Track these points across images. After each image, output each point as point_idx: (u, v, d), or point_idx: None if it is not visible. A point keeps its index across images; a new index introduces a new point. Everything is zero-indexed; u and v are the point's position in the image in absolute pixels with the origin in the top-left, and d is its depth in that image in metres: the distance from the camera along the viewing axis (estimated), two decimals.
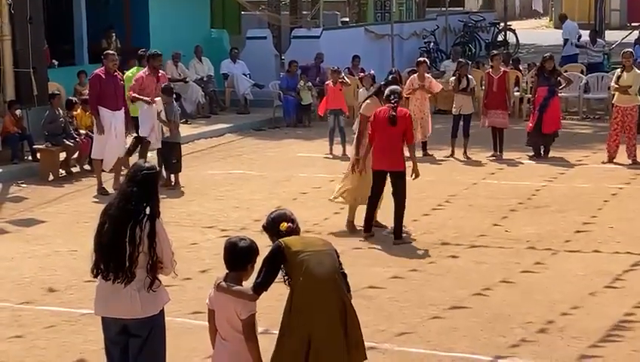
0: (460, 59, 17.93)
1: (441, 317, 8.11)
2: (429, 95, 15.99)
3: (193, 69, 20.96)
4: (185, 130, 16.71)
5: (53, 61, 18.90)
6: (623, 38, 27.97)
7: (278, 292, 5.63)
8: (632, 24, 42.04)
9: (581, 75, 20.65)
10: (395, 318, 8.09)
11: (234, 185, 13.84)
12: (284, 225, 5.61)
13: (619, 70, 15.37)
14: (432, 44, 27.39)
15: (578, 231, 10.93)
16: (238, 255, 5.49)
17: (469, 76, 16.14)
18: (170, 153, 13.64)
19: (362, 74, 18.01)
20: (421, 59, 16.58)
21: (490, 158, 15.56)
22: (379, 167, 10.47)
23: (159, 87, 13.81)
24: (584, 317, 8.05)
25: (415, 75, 15.80)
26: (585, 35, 24.82)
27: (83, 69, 18.11)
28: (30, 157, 14.97)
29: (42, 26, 16.59)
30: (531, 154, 15.63)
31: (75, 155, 14.82)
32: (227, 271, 5.53)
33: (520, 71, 20.84)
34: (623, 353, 7.32)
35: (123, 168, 13.06)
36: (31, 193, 13.41)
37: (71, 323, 8.06)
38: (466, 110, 15.82)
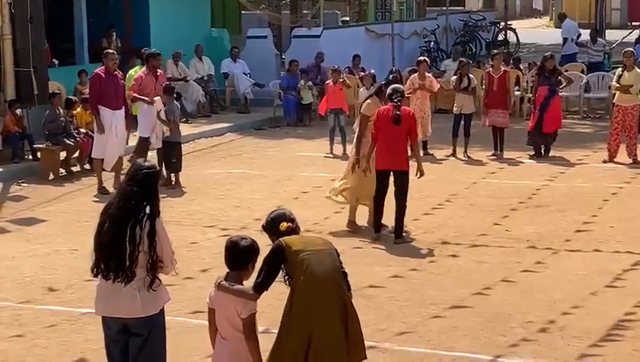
0: (462, 59, 17.94)
1: (442, 317, 8.11)
2: (430, 94, 15.98)
3: (194, 68, 20.97)
4: (185, 129, 16.72)
5: (54, 60, 18.91)
6: (624, 38, 27.98)
7: (279, 292, 5.63)
8: (633, 23, 42.06)
9: (582, 74, 20.65)
10: (395, 317, 8.09)
11: (234, 185, 13.85)
12: (283, 225, 5.61)
13: (620, 69, 15.37)
14: (432, 43, 27.38)
15: (578, 231, 10.93)
16: (239, 254, 5.49)
17: (470, 75, 16.13)
18: (171, 152, 13.65)
19: (363, 73, 18.01)
20: (421, 58, 16.57)
21: (491, 158, 15.56)
22: (383, 167, 10.46)
23: (158, 86, 13.82)
24: (584, 317, 8.05)
25: (415, 74, 15.80)
26: (585, 34, 24.83)
27: (83, 68, 18.11)
28: (31, 157, 14.97)
29: (43, 25, 16.58)
30: (532, 153, 15.63)
31: (76, 154, 14.82)
32: (228, 271, 5.54)
33: (520, 70, 20.83)
34: (624, 352, 7.32)
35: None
36: (31, 192, 13.41)
37: (71, 322, 8.06)
38: (467, 109, 15.82)
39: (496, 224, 11.29)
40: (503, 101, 15.78)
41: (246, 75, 21.39)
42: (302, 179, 14.15)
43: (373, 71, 17.03)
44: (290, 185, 13.75)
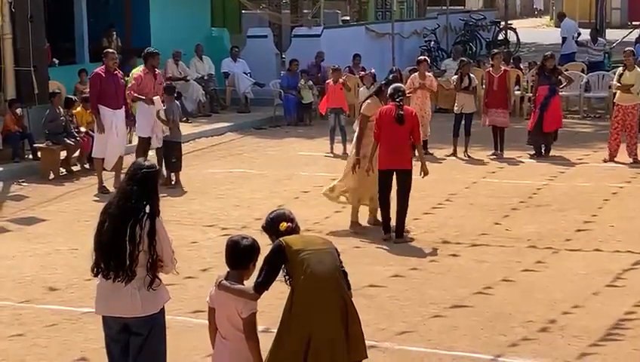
0: (463, 58, 17.94)
1: (442, 316, 8.11)
2: (430, 94, 15.96)
3: (194, 68, 20.97)
4: (186, 128, 16.72)
5: (54, 60, 18.91)
6: (624, 37, 27.98)
7: (279, 291, 5.63)
8: (633, 23, 42.05)
9: (582, 73, 20.65)
10: (395, 317, 8.09)
11: (235, 184, 13.85)
12: (283, 225, 5.61)
13: (620, 68, 15.37)
14: (432, 42, 27.37)
15: (579, 230, 10.93)
16: (240, 253, 5.49)
17: (471, 75, 16.13)
18: (171, 152, 13.64)
19: (363, 72, 18.00)
20: (422, 57, 16.56)
21: (491, 157, 15.56)
22: (386, 167, 10.44)
23: (157, 85, 13.82)
24: (585, 316, 8.05)
25: (416, 73, 15.78)
26: (585, 33, 24.84)
27: (84, 68, 18.12)
28: (31, 156, 14.97)
29: (43, 24, 16.59)
30: (532, 152, 15.63)
31: (76, 154, 14.82)
32: (228, 270, 5.54)
33: (521, 70, 20.83)
34: (624, 352, 7.32)
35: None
36: (32, 192, 13.41)
37: (72, 321, 8.06)
38: (468, 109, 15.82)
39: (496, 223, 11.29)
40: (503, 100, 15.78)
41: (246, 74, 21.39)
42: (302, 178, 14.15)
43: (373, 70, 17.02)
44: (291, 184, 13.75)
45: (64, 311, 8.33)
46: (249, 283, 5.53)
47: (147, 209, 5.58)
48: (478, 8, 40.37)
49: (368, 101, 11.16)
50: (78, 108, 15.22)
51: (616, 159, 14.98)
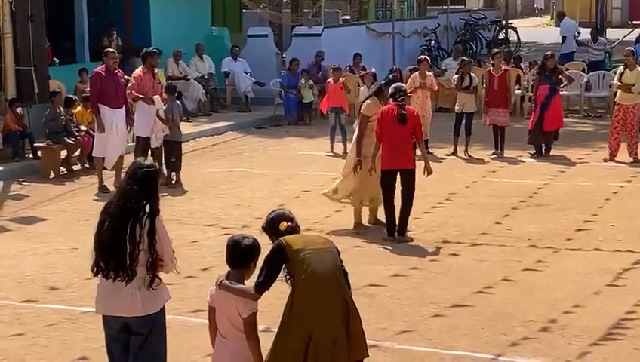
0: (464, 57, 17.93)
1: (442, 316, 8.11)
2: (431, 93, 15.97)
3: (194, 67, 20.97)
4: (186, 128, 16.71)
5: (55, 59, 18.91)
6: (625, 36, 27.98)
7: (280, 291, 5.63)
8: (634, 22, 42.09)
9: (582, 73, 20.65)
10: (396, 316, 8.09)
11: (235, 183, 13.84)
12: (283, 225, 5.61)
13: (621, 68, 15.37)
14: (433, 42, 27.37)
15: (579, 230, 10.93)
16: (241, 253, 5.49)
17: (472, 74, 16.13)
18: (170, 151, 13.64)
19: (363, 72, 18.00)
20: (422, 57, 16.54)
21: (492, 156, 15.56)
22: (390, 167, 10.42)
23: (156, 84, 13.83)
24: (585, 316, 8.05)
25: (416, 73, 15.78)
26: (586, 33, 24.84)
27: (84, 67, 18.11)
28: (31, 155, 14.97)
29: (43, 23, 16.60)
30: (533, 152, 15.63)
31: (77, 153, 14.81)
32: (229, 269, 5.53)
33: (521, 69, 20.83)
34: (624, 351, 7.32)
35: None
36: (32, 191, 13.41)
37: (72, 321, 8.06)
38: (469, 108, 15.82)
39: (497, 223, 11.29)
40: (503, 100, 15.77)
41: (247, 73, 21.39)
42: (302, 177, 14.15)
43: (373, 70, 17.01)
44: (291, 183, 13.75)
45: (64, 311, 8.33)
46: (249, 282, 5.52)
47: (147, 208, 5.58)
48: (479, 7, 40.35)
49: (368, 101, 11.13)
50: (79, 108, 15.22)
51: (616, 158, 14.98)
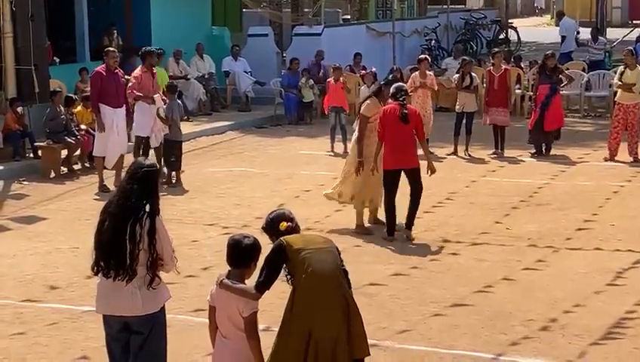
0: (465, 57, 17.93)
1: (443, 315, 8.11)
2: (431, 92, 15.96)
3: (194, 67, 20.98)
4: (186, 127, 16.71)
5: (55, 58, 18.92)
6: (625, 36, 27.99)
7: (280, 290, 5.64)
8: (634, 22, 42.09)
9: (582, 72, 20.65)
10: (396, 316, 8.09)
11: (235, 183, 13.85)
12: (283, 225, 5.61)
13: (622, 67, 15.37)
14: (433, 41, 27.38)
15: (579, 229, 10.93)
16: (241, 252, 5.49)
17: (473, 74, 16.13)
18: (170, 151, 13.64)
19: (364, 71, 18.01)
20: (422, 56, 16.55)
21: (492, 156, 15.57)
22: (393, 166, 10.42)
23: (155, 84, 13.82)
24: (585, 315, 8.05)
25: (417, 72, 15.78)
26: (586, 32, 24.84)
27: (84, 66, 18.12)
28: (32, 155, 14.97)
29: (44, 23, 16.60)
30: (533, 151, 15.63)
31: (77, 152, 14.82)
32: (229, 269, 5.54)
33: (521, 68, 20.83)
34: (625, 350, 7.32)
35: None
36: (32, 190, 13.42)
37: (72, 320, 8.07)
38: (469, 108, 15.82)
39: (497, 222, 11.29)
40: (503, 99, 15.78)
41: (247, 73, 21.39)
42: (303, 177, 14.15)
43: (374, 69, 17.01)
44: (292, 183, 13.75)
45: (65, 310, 8.33)
46: (250, 282, 5.53)
47: (147, 208, 5.58)
48: (479, 7, 40.35)
49: (368, 102, 11.09)
50: (79, 108, 15.22)
51: (616, 158, 14.98)
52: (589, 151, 15.97)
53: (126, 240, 5.50)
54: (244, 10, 27.33)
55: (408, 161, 10.37)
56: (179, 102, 14.26)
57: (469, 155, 15.65)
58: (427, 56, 16.82)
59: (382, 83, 11.55)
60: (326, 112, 17.47)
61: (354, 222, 10.95)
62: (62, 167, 14.55)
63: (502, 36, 31.46)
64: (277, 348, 5.45)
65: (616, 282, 8.99)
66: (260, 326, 5.57)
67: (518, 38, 31.66)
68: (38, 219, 11.76)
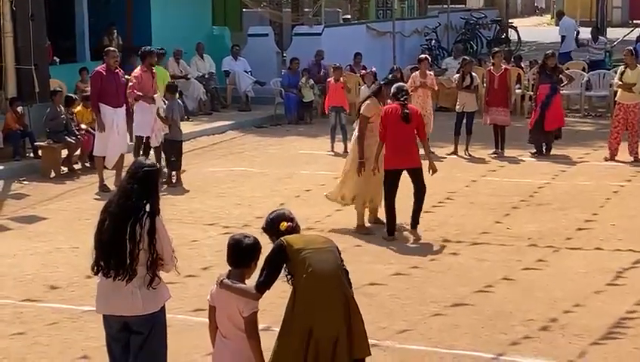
0: (465, 57, 17.92)
1: (443, 315, 8.11)
2: (431, 92, 15.96)
3: (195, 66, 20.98)
4: (186, 127, 16.70)
5: (55, 58, 18.91)
6: (625, 36, 27.99)
7: (281, 290, 5.64)
8: (634, 21, 42.09)
9: (583, 72, 20.65)
10: (396, 315, 8.09)
11: (235, 183, 13.85)
12: (283, 225, 5.61)
13: (622, 67, 15.36)
14: (433, 41, 27.37)
15: (580, 229, 10.93)
16: (242, 252, 5.49)
17: (473, 74, 16.12)
18: (170, 150, 13.64)
19: (364, 71, 18.00)
20: (423, 56, 16.54)
21: (492, 156, 15.57)
22: (395, 166, 10.42)
23: (155, 83, 13.82)
24: (585, 315, 8.05)
25: (417, 72, 15.78)
26: (586, 32, 24.84)
27: (85, 66, 18.13)
28: (32, 155, 14.97)
29: (44, 22, 16.60)
30: (533, 151, 15.63)
31: (77, 152, 14.82)
32: (230, 268, 5.54)
33: (521, 68, 20.83)
34: (625, 350, 7.32)
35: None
36: (32, 190, 13.42)
37: (73, 320, 8.07)
38: (470, 107, 15.82)
39: (497, 222, 11.29)
40: (504, 99, 15.77)
41: (247, 72, 21.39)
42: (303, 176, 14.15)
43: (374, 69, 17.00)
44: (292, 183, 13.75)
45: (65, 310, 8.33)
46: (250, 281, 5.53)
47: (147, 207, 5.58)
48: (479, 7, 40.33)
49: (367, 102, 11.06)
50: (79, 107, 15.22)
51: (617, 158, 14.98)
52: (590, 150, 15.97)
53: (126, 239, 5.50)
54: (244, 9, 27.33)
55: (411, 160, 10.37)
56: (179, 101, 14.25)
57: (470, 155, 15.65)
58: (427, 56, 16.82)
59: (382, 83, 11.54)
60: (326, 112, 17.47)
61: (354, 222, 10.95)
62: (62, 167, 14.55)
63: (502, 36, 31.43)
64: (278, 348, 5.45)
65: (617, 282, 8.99)
66: (260, 326, 5.57)
67: (519, 37, 31.65)
68: (38, 219, 11.76)
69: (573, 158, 15.31)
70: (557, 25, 28.76)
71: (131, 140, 14.40)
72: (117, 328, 5.70)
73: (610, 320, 7.89)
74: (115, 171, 13.47)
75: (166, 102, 13.72)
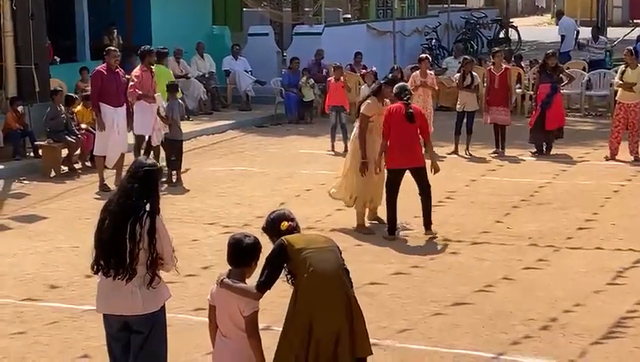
0: (466, 56, 17.90)
1: (443, 314, 8.11)
2: (432, 92, 15.96)
3: (195, 66, 20.98)
4: (187, 126, 16.71)
5: (55, 57, 18.91)
6: (625, 35, 27.98)
7: (282, 289, 5.63)
8: (634, 21, 42.08)
9: (583, 72, 20.65)
10: (396, 315, 8.09)
11: (236, 182, 13.84)
12: (284, 224, 5.60)
13: (622, 66, 15.36)
14: (433, 40, 27.37)
15: (580, 228, 10.93)
16: (242, 252, 5.49)
17: (474, 73, 16.11)
18: (171, 150, 13.64)
19: (364, 71, 18.00)
20: (423, 55, 16.53)
21: (492, 155, 15.56)
22: (397, 165, 10.41)
23: (154, 82, 13.82)
24: (586, 314, 8.05)
25: (417, 71, 15.78)
26: (587, 31, 24.83)
27: (85, 66, 18.13)
28: (32, 154, 14.97)
29: (44, 22, 16.60)
30: (533, 151, 15.62)
31: (77, 152, 14.81)
32: (230, 268, 5.53)
33: (522, 68, 20.83)
34: (625, 350, 7.31)
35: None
36: (33, 189, 13.41)
37: (73, 319, 8.07)
38: (470, 107, 15.81)
39: (497, 221, 11.29)
40: (504, 99, 15.77)
41: (247, 72, 21.39)
42: (303, 176, 14.15)
43: (374, 68, 17.00)
44: (292, 182, 13.74)
45: (65, 309, 8.33)
46: (250, 281, 5.52)
47: (147, 207, 5.58)
48: (480, 6, 40.32)
49: (368, 101, 11.04)
50: (79, 107, 15.22)
51: (617, 157, 14.98)
52: (590, 150, 15.97)
53: (126, 239, 5.50)
54: (244, 9, 27.33)
55: (415, 159, 10.37)
56: (179, 101, 14.25)
57: (470, 154, 15.65)
58: (428, 56, 16.82)
59: (382, 82, 11.53)
60: (326, 111, 17.47)
61: (354, 222, 10.95)
62: (62, 166, 14.55)
63: (502, 35, 31.42)
64: (280, 347, 5.45)
65: (617, 281, 8.99)
66: (261, 325, 5.57)
67: (519, 37, 31.64)
68: (38, 218, 11.76)
69: (574, 158, 15.30)
70: (557, 24, 28.76)
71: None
72: (117, 327, 5.70)
73: (611, 319, 7.89)
74: (115, 171, 13.47)
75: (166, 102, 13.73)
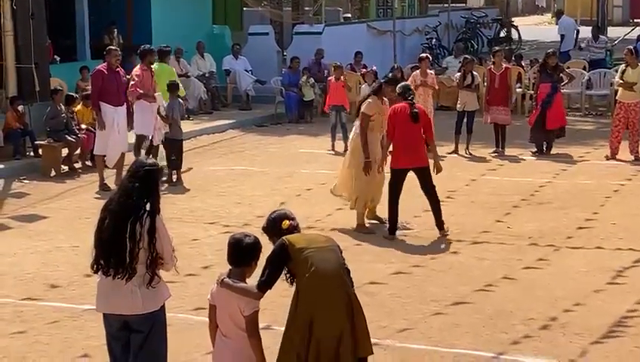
0: (466, 56, 17.91)
1: (443, 314, 8.11)
2: (432, 91, 15.95)
3: (195, 65, 20.98)
4: (187, 126, 16.70)
5: (55, 57, 18.91)
6: (625, 35, 27.98)
7: (282, 289, 5.63)
8: (635, 20, 42.07)
9: (583, 71, 20.64)
10: (396, 314, 8.09)
11: (236, 181, 13.84)
12: (285, 223, 5.60)
13: (623, 65, 15.35)
14: (434, 40, 27.37)
15: (580, 228, 10.92)
16: (243, 251, 5.49)
17: (474, 73, 16.11)
18: (171, 149, 13.63)
19: (364, 70, 17.99)
20: (423, 55, 16.53)
21: (493, 155, 15.56)
22: (402, 165, 10.41)
23: (154, 82, 13.83)
24: (586, 314, 8.04)
25: (417, 71, 15.78)
26: (587, 31, 24.83)
27: (85, 65, 18.13)
28: (32, 153, 14.97)
29: (44, 21, 16.60)
30: (534, 150, 15.62)
31: (78, 151, 14.81)
32: (230, 268, 5.53)
33: (522, 67, 20.82)
34: (626, 349, 7.31)
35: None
36: (33, 189, 13.41)
37: (73, 318, 8.07)
38: (471, 106, 15.81)
39: (497, 221, 11.29)
40: (504, 98, 15.76)
41: (247, 71, 21.39)
42: (303, 175, 14.14)
43: (375, 68, 17.00)
44: (292, 182, 13.74)
45: (65, 309, 8.33)
46: (251, 281, 5.52)
47: (148, 206, 5.58)
48: (480, 5, 40.32)
49: (369, 100, 11.02)
50: (79, 106, 15.22)
51: (617, 157, 14.97)
52: (590, 149, 15.96)
53: (126, 238, 5.50)
54: (244, 8, 27.34)
55: (419, 159, 10.37)
56: (180, 100, 14.24)
57: (470, 154, 15.64)
58: (428, 55, 16.82)
59: (382, 81, 11.53)
60: (327, 111, 17.47)
61: (355, 221, 10.94)
62: (62, 166, 14.55)
63: (503, 35, 31.43)
64: (282, 346, 5.45)
65: (617, 281, 8.99)
66: (261, 325, 5.56)
67: (519, 36, 31.64)
68: (38, 218, 11.76)
69: (574, 157, 15.30)
70: (557, 24, 28.77)
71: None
72: (117, 327, 5.70)
73: (611, 319, 7.89)
74: (115, 170, 13.47)
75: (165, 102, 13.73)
